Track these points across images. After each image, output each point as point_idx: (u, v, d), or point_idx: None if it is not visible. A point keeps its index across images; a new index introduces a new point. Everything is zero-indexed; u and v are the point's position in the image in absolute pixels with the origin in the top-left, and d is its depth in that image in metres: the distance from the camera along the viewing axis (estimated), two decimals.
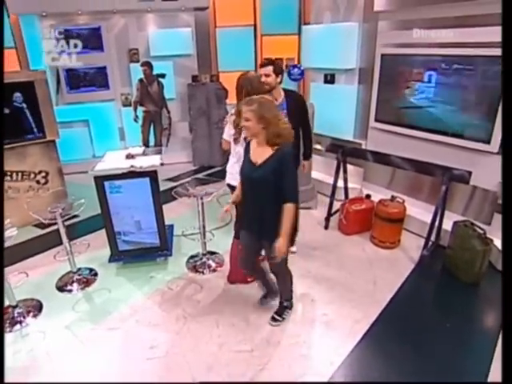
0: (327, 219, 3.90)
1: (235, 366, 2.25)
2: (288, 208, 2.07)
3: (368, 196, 3.86)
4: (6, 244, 2.44)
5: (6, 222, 2.53)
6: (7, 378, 2.20)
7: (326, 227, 3.90)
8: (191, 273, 3.21)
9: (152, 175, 3.00)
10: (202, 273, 3.20)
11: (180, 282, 3.10)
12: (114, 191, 2.99)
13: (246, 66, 5.88)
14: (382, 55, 3.70)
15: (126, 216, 3.12)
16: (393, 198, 3.51)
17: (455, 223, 3.12)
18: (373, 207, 3.67)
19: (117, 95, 5.90)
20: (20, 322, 2.60)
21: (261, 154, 2.13)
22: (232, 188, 2.69)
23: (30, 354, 2.39)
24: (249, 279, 2.95)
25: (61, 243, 3.03)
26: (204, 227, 3.22)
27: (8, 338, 2.52)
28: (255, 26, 5.72)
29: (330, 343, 2.42)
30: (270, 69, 2.77)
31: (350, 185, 4.16)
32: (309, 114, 3.14)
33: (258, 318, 2.65)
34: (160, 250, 3.30)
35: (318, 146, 4.66)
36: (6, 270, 2.59)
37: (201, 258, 3.32)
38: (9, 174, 3.79)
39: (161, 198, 3.13)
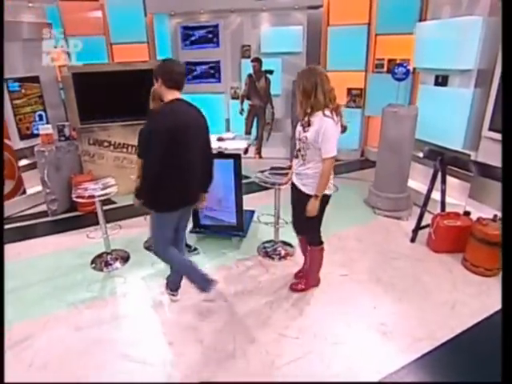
0: (415, 231, 3.69)
1: (276, 347, 2.38)
2: None
3: (467, 213, 3.52)
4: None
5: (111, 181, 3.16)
6: (89, 304, 2.77)
7: (413, 240, 3.69)
8: (261, 257, 3.44)
9: (236, 158, 3.32)
10: (272, 258, 3.41)
11: (248, 262, 3.36)
12: None
13: (356, 65, 5.89)
14: None
15: (210, 193, 3.50)
16: (495, 217, 3.14)
17: None
18: (470, 226, 3.33)
19: (227, 88, 6.52)
20: (111, 265, 3.24)
21: None
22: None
23: (113, 291, 2.99)
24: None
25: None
26: (278, 216, 3.42)
27: (100, 275, 3.18)
28: (369, 24, 5.66)
29: (381, 353, 2.36)
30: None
31: (450, 200, 3.86)
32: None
33: (312, 310, 2.73)
34: (236, 229, 3.62)
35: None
36: (108, 225, 3.24)
37: (273, 245, 3.53)
38: (125, 146, 4.62)
39: (242, 180, 3.43)
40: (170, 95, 2.30)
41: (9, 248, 3.72)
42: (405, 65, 3.95)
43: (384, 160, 4.20)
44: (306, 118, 2.45)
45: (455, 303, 2.80)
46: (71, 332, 2.56)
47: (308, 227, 2.73)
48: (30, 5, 4.69)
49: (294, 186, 2.70)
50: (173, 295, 2.83)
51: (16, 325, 2.62)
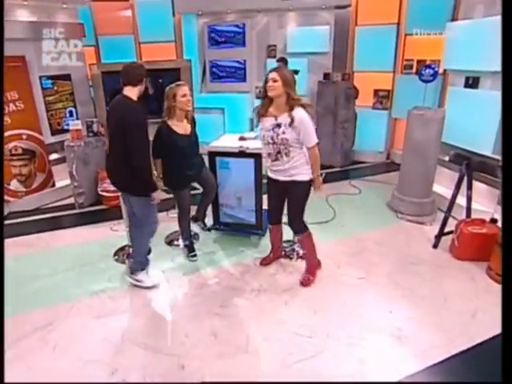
0: (437, 237, 3.65)
1: (288, 344, 2.44)
2: None
3: (494, 220, 3.45)
4: None
5: None
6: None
7: (435, 246, 3.65)
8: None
9: (257, 157, 3.40)
10: (289, 258, 3.47)
11: (265, 261, 3.42)
12: (223, 166, 3.52)
13: (384, 66, 5.85)
14: None
15: (229, 191, 3.62)
16: None
17: None
18: (496, 234, 3.27)
19: (252, 88, 6.62)
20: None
21: None
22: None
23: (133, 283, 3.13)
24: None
25: (174, 207, 3.75)
26: None
27: (121, 267, 3.36)
28: (398, 24, 5.61)
29: (394, 357, 2.37)
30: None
31: (478, 206, 3.79)
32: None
33: (326, 310, 2.77)
34: (255, 228, 3.70)
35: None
36: None
37: (291, 245, 3.59)
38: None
39: (262, 179, 3.50)
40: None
41: (38, 237, 3.98)
42: (433, 66, 3.90)
43: (408, 163, 4.17)
44: (290, 117, 2.62)
45: (476, 312, 2.77)
46: (93, 319, 2.72)
47: (295, 214, 2.94)
48: (64, 6, 4.95)
49: (276, 181, 2.90)
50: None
51: (42, 309, 2.82)
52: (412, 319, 2.68)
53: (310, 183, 2.85)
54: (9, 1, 4.45)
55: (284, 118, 2.65)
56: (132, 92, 2.64)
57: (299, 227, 3.00)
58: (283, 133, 2.64)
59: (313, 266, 3.16)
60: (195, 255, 3.47)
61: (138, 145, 2.57)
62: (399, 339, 2.50)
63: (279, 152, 2.73)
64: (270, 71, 2.67)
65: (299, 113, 2.62)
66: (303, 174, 2.79)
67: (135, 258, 3.06)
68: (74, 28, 5.07)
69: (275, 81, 2.58)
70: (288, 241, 3.64)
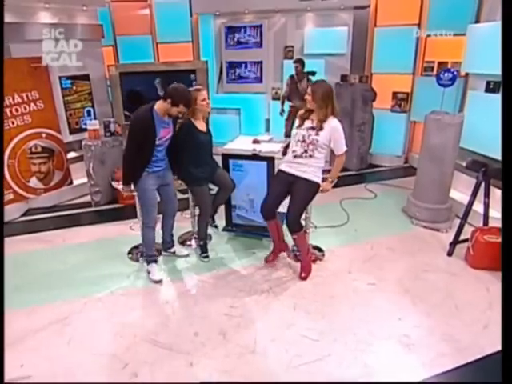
0: (452, 244, 3.67)
1: (295, 347, 2.54)
2: None
3: None
4: None
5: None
6: (130, 295, 3.08)
7: (450, 254, 3.67)
8: (290, 259, 3.61)
9: (270, 161, 3.51)
10: (299, 260, 3.54)
11: (276, 263, 3.52)
12: (236, 169, 3.65)
13: (403, 68, 5.86)
14: None
15: (242, 193, 3.74)
16: None
17: None
18: None
19: (268, 89, 6.74)
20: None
21: None
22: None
23: (146, 281, 3.30)
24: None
25: (188, 207, 3.93)
26: (309, 219, 3.56)
27: (135, 265, 3.52)
28: (419, 25, 5.61)
29: (401, 364, 2.43)
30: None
31: (496, 214, 3.78)
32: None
33: (335, 314, 2.85)
34: (267, 230, 3.78)
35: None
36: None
37: None
38: None
39: None
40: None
41: (55, 234, 4.18)
42: (452, 70, 3.92)
43: (424, 169, 4.20)
44: (319, 123, 3.01)
45: (489, 323, 2.79)
46: (106, 315, 2.88)
47: (295, 212, 3.12)
48: (84, 8, 5.17)
49: (286, 173, 3.14)
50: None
51: (58, 303, 3.00)
52: (421, 327, 2.73)
53: (317, 188, 3.10)
54: (31, 4, 4.70)
55: (317, 124, 3.03)
56: (161, 105, 2.97)
57: (296, 227, 3.16)
58: (316, 134, 3.01)
59: (307, 265, 3.37)
60: (207, 256, 3.61)
61: (126, 144, 3.09)
62: (407, 346, 2.56)
63: (305, 151, 3.04)
64: (311, 83, 3.22)
65: (332, 122, 3.00)
66: (315, 175, 3.08)
67: (144, 249, 3.39)
68: (93, 29, 5.30)
69: (309, 95, 3.02)
70: None
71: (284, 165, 3.18)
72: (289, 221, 3.13)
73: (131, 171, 3.08)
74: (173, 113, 2.97)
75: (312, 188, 3.08)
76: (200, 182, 3.39)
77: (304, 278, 3.29)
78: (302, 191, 3.08)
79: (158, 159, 3.08)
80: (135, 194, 3.32)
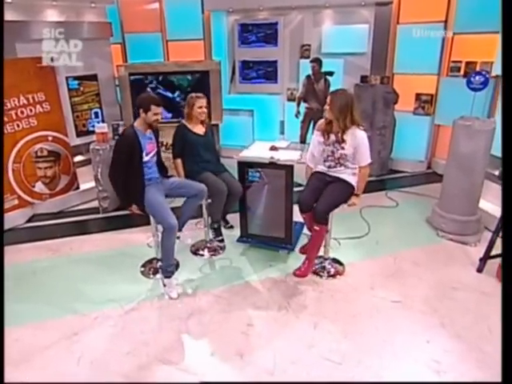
0: (483, 260, 3.61)
1: (317, 370, 2.51)
2: None
3: None
4: None
5: None
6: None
7: (480, 270, 3.60)
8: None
9: (288, 169, 3.49)
10: (319, 276, 3.53)
11: (294, 278, 3.49)
12: (253, 177, 3.63)
13: (428, 68, 5.79)
14: None
15: (259, 202, 3.72)
16: None
17: None
18: None
19: (283, 89, 6.72)
20: (158, 272, 3.54)
21: None
22: None
23: (159, 295, 3.31)
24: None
25: (202, 215, 3.93)
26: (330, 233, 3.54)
27: (149, 282, 3.52)
28: (446, 22, 5.54)
29: None
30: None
31: None
32: None
33: (357, 334, 2.81)
34: (284, 242, 3.79)
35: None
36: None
37: (321, 262, 3.64)
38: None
39: (293, 191, 3.59)
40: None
41: (62, 242, 4.21)
42: (483, 73, 3.83)
43: (452, 177, 4.14)
44: (339, 135, 3.11)
45: None
46: (117, 331, 2.89)
47: (326, 205, 3.24)
48: (93, 5, 5.21)
49: (322, 173, 3.34)
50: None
51: (66, 318, 3.01)
52: (451, 352, 2.67)
53: (352, 191, 3.26)
54: (37, 2, 4.74)
55: (337, 136, 3.14)
56: (138, 121, 3.21)
57: (323, 219, 3.27)
58: (342, 148, 3.14)
59: (312, 261, 3.50)
60: (223, 240, 3.91)
61: (111, 166, 3.25)
62: (437, 373, 2.50)
63: (338, 163, 3.23)
64: (331, 92, 3.23)
65: (357, 133, 3.09)
66: (350, 179, 3.25)
67: (163, 261, 3.34)
68: (102, 27, 5.34)
69: (328, 104, 3.09)
70: (319, 257, 3.69)
71: (320, 167, 3.36)
72: (318, 210, 3.24)
73: (125, 193, 3.25)
74: (151, 119, 3.13)
75: (348, 189, 3.24)
76: (199, 171, 3.72)
77: (298, 275, 3.46)
78: (337, 189, 3.24)
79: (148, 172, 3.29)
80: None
